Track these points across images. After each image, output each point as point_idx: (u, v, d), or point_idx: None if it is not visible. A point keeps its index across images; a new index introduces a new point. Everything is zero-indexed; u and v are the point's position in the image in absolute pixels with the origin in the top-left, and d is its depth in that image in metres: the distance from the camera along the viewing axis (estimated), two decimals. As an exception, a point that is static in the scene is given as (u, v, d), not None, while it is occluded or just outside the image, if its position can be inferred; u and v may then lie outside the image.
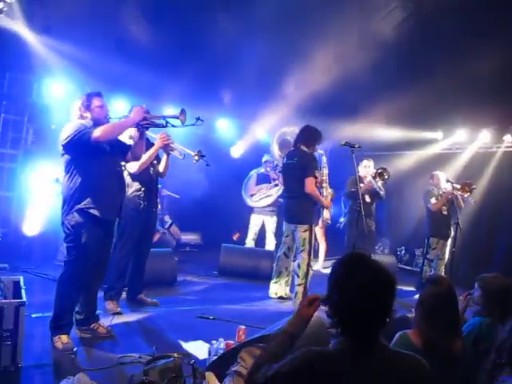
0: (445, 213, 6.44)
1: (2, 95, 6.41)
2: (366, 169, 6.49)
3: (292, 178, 5.31)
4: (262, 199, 7.40)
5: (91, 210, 3.44)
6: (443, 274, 6.64)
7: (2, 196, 6.69)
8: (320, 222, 8.02)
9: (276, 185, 7.27)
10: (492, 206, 7.25)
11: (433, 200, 6.42)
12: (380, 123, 8.07)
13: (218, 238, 7.59)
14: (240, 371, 2.40)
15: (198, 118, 4.07)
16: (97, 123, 3.53)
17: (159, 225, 6.86)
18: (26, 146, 6.71)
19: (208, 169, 5.72)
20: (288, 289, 5.58)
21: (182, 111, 3.90)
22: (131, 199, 4.47)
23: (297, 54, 6.50)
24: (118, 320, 4.14)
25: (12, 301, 2.98)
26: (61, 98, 6.65)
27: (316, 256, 8.14)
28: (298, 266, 5.20)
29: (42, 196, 6.33)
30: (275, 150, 7.92)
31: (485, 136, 7.47)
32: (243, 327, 3.66)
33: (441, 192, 6.46)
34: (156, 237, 6.17)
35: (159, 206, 5.56)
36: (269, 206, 7.32)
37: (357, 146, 4.63)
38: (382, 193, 6.38)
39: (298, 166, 5.21)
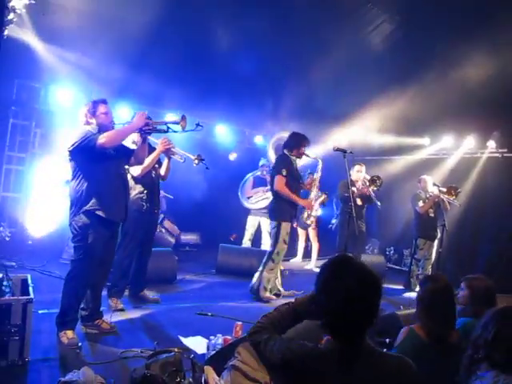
0: (431, 215, 6.61)
1: (10, 101, 6.55)
2: (359, 173, 6.66)
3: (271, 179, 5.57)
4: (258, 201, 7.55)
5: (97, 212, 3.52)
6: (430, 273, 6.82)
7: (10, 197, 6.82)
8: (313, 223, 8.16)
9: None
10: (476, 209, 7.39)
11: (420, 203, 6.59)
12: (370, 129, 8.21)
13: (216, 238, 7.71)
14: (237, 365, 2.39)
15: (197, 124, 4.17)
16: (102, 129, 3.63)
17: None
18: (33, 149, 6.86)
19: (207, 172, 5.86)
20: (279, 283, 5.70)
21: (183, 117, 3.99)
22: (134, 201, 4.56)
23: (293, 63, 6.60)
24: (120, 316, 4.23)
25: (20, 298, 3.10)
26: (67, 104, 6.81)
27: (309, 256, 8.31)
28: (267, 255, 5.42)
29: (49, 197, 6.47)
30: (271, 154, 8.08)
31: (470, 142, 7.62)
32: (240, 323, 3.72)
33: (428, 195, 6.62)
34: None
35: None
36: (265, 207, 7.38)
37: (348, 151, 4.79)
38: (374, 199, 6.60)
39: (273, 167, 5.52)
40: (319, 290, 1.61)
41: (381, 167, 8.31)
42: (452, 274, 6.75)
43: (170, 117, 6.60)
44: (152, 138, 4.56)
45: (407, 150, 8.55)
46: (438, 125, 7.51)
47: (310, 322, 2.77)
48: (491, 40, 5.30)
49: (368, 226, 6.84)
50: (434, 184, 6.56)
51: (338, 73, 6.52)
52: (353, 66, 6.43)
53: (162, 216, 7.56)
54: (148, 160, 4.44)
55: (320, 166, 5.70)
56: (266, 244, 7.54)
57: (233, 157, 9.04)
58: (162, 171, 4.86)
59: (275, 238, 5.37)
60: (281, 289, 5.71)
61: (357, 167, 6.67)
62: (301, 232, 8.53)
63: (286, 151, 5.48)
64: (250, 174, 7.80)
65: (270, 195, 7.30)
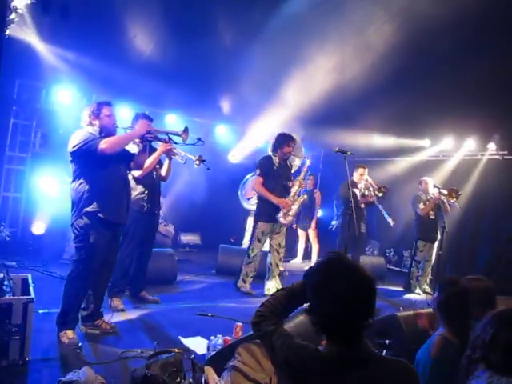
0: (432, 217, 6.63)
1: (12, 101, 6.58)
2: (362, 176, 6.68)
3: None
4: (258, 202, 7.56)
5: (99, 214, 3.54)
6: (430, 275, 6.85)
7: (11, 197, 6.85)
8: (313, 224, 8.21)
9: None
10: (476, 211, 7.40)
11: (421, 205, 6.61)
12: (371, 131, 8.23)
13: (217, 239, 7.73)
14: (237, 366, 2.43)
15: (199, 139, 4.24)
16: (104, 131, 3.66)
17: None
18: (34, 149, 6.89)
19: (207, 173, 5.87)
20: (279, 283, 5.75)
21: (185, 130, 4.04)
22: (135, 202, 4.57)
23: (294, 63, 6.61)
24: (121, 316, 4.24)
25: (21, 297, 3.11)
26: (68, 104, 6.83)
27: (309, 257, 8.34)
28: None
29: (49, 197, 6.49)
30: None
31: (470, 144, 7.62)
32: (240, 324, 3.72)
33: (428, 197, 6.64)
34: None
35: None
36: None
37: (349, 152, 4.81)
38: (381, 208, 6.75)
39: None
40: (311, 294, 1.59)
41: (381, 169, 8.34)
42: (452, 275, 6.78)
43: (173, 125, 6.65)
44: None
45: (408, 151, 8.57)
46: (439, 126, 7.51)
47: (306, 327, 2.79)
48: (493, 40, 5.32)
49: (368, 228, 6.86)
50: (435, 186, 6.58)
51: (340, 74, 6.53)
52: (354, 66, 6.43)
53: None
54: (149, 161, 4.45)
55: (305, 165, 5.76)
56: (266, 245, 7.54)
57: (233, 158, 9.05)
58: (163, 172, 4.87)
59: (251, 236, 5.78)
60: (279, 286, 5.71)
61: (360, 170, 6.69)
62: (301, 233, 8.56)
63: (270, 152, 5.70)
64: (250, 175, 7.81)
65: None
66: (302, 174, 5.74)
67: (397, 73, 6.28)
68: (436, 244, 6.64)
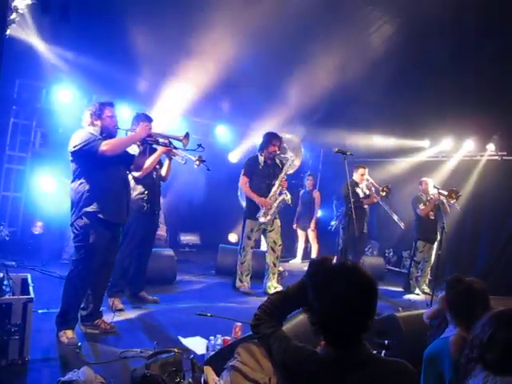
0: (432, 218, 6.66)
1: (12, 100, 6.57)
2: (363, 176, 6.70)
3: None
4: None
5: (98, 215, 3.54)
6: (429, 275, 6.86)
7: (11, 196, 6.84)
8: (312, 224, 8.22)
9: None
10: (476, 211, 7.42)
11: (421, 206, 6.64)
12: (371, 131, 8.25)
13: (216, 239, 7.77)
14: (237, 366, 2.44)
15: (199, 145, 4.23)
16: (105, 132, 3.67)
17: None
18: (34, 148, 6.88)
19: (207, 173, 5.87)
20: (274, 281, 5.82)
21: (186, 135, 4.04)
22: (135, 202, 4.58)
23: (295, 64, 6.63)
24: (120, 316, 4.24)
25: (20, 297, 3.11)
26: (68, 103, 6.82)
27: (308, 257, 8.35)
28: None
29: (49, 197, 6.49)
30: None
31: (469, 145, 7.63)
32: (239, 324, 3.71)
33: (429, 198, 6.67)
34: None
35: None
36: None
37: (348, 153, 4.82)
38: (386, 207, 6.83)
39: None
40: (311, 295, 1.58)
41: (381, 169, 8.35)
42: (450, 276, 6.79)
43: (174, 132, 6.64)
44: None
45: (407, 152, 8.58)
46: (438, 127, 7.53)
47: (305, 326, 2.79)
48: (492, 42, 5.33)
49: (368, 228, 6.86)
50: (435, 186, 6.59)
51: (338, 75, 6.54)
52: (353, 67, 6.45)
53: None
54: (149, 161, 4.46)
55: (288, 163, 5.80)
56: (264, 245, 7.58)
57: (233, 158, 9.07)
58: (163, 172, 4.87)
59: (241, 233, 5.90)
60: (275, 284, 5.82)
61: (360, 170, 6.71)
62: (300, 233, 8.57)
63: (258, 152, 5.80)
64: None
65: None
66: (283, 173, 5.74)
67: (397, 74, 6.31)
68: (435, 244, 6.65)
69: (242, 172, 5.84)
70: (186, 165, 5.01)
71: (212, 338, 3.46)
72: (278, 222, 5.85)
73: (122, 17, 5.50)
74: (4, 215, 6.63)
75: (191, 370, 2.83)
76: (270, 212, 5.62)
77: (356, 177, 6.69)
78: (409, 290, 6.77)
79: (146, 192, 4.71)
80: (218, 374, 2.62)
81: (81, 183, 3.56)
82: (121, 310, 4.44)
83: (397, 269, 8.59)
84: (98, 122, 3.68)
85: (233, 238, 8.78)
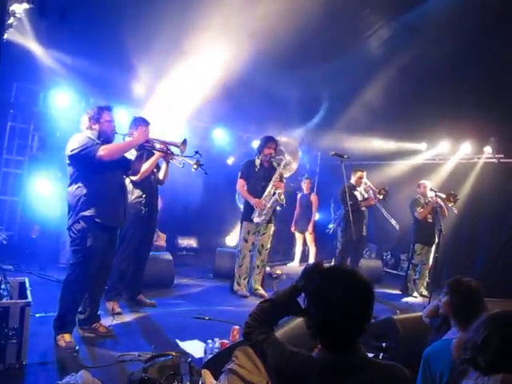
0: (430, 221, 6.67)
1: (9, 104, 6.57)
2: (361, 180, 6.72)
3: None
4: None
5: (96, 219, 3.55)
6: (427, 278, 6.86)
7: (8, 200, 6.83)
8: (310, 228, 8.23)
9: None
10: (473, 214, 7.43)
11: (419, 209, 6.66)
12: (368, 135, 8.28)
13: (214, 242, 7.79)
14: (234, 369, 2.45)
15: (196, 152, 4.27)
16: (102, 136, 3.67)
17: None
18: (31, 152, 6.87)
19: (204, 176, 5.82)
20: (258, 284, 5.91)
21: (184, 142, 4.08)
22: (133, 205, 4.57)
23: (292, 67, 6.65)
24: (118, 320, 4.22)
25: (18, 301, 3.10)
26: (65, 107, 6.81)
27: (306, 260, 8.35)
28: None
29: (46, 200, 6.49)
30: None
31: (466, 147, 7.65)
32: (237, 327, 3.71)
33: (427, 201, 6.69)
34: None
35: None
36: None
37: (345, 156, 4.85)
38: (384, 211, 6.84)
39: None
40: (308, 299, 1.59)
41: (378, 172, 8.36)
42: (448, 278, 6.80)
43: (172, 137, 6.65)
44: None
45: (404, 155, 8.60)
46: (435, 130, 7.55)
47: (303, 329, 2.79)
48: (488, 45, 5.36)
49: (367, 231, 6.87)
50: (431, 189, 6.61)
51: (336, 77, 6.57)
52: (350, 70, 6.48)
53: None
54: (147, 165, 4.49)
55: (281, 165, 5.80)
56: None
57: (230, 161, 9.08)
58: (161, 175, 4.87)
59: (239, 236, 5.95)
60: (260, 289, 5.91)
61: (358, 173, 6.73)
62: (298, 236, 8.58)
63: (255, 156, 5.90)
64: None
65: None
66: (277, 174, 5.76)
67: (394, 77, 6.33)
68: (433, 247, 6.65)
69: (239, 175, 5.92)
70: (184, 169, 5.00)
71: (210, 341, 3.45)
72: (271, 226, 5.88)
73: (118, 21, 5.51)
74: (1, 219, 6.60)
75: (189, 374, 2.83)
76: (263, 212, 5.65)
77: (354, 180, 6.72)
78: (406, 292, 6.78)
79: (144, 196, 4.71)
80: (216, 378, 2.62)
81: (78, 187, 3.56)
82: (118, 313, 4.42)
83: (394, 271, 8.58)
84: (96, 126, 3.69)
85: (230, 241, 8.78)
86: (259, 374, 2.41)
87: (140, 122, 4.51)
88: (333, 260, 6.70)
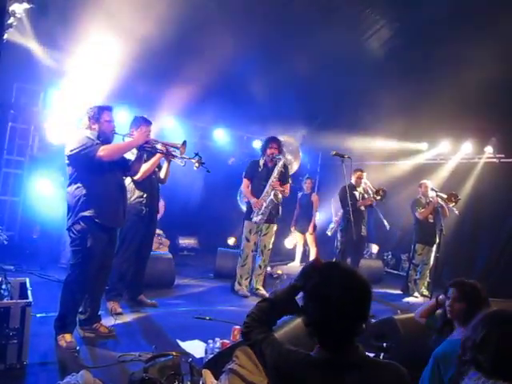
0: (431, 221, 6.67)
1: (9, 104, 6.56)
2: (360, 180, 6.72)
3: None
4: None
5: (95, 219, 3.54)
6: (428, 278, 6.86)
7: (9, 200, 6.83)
8: (310, 228, 8.23)
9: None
10: (474, 214, 7.44)
11: (420, 209, 6.66)
12: (369, 135, 8.28)
13: (214, 242, 7.75)
14: (235, 369, 2.45)
15: (196, 154, 4.26)
16: (102, 136, 3.66)
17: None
18: (31, 152, 6.88)
19: (205, 176, 5.84)
20: (259, 284, 5.96)
21: (184, 143, 4.07)
22: (134, 205, 4.58)
23: (293, 67, 6.66)
24: (118, 320, 4.22)
25: (18, 301, 3.09)
26: (66, 107, 6.76)
27: (307, 260, 8.33)
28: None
29: (47, 201, 6.49)
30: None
31: (467, 147, 7.65)
32: (238, 327, 3.69)
33: (428, 201, 6.68)
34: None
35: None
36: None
37: (346, 156, 4.84)
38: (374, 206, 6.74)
39: None
40: (306, 297, 1.59)
41: (379, 172, 8.36)
42: (449, 278, 6.79)
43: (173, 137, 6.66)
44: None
45: (405, 154, 8.60)
46: (436, 130, 7.55)
47: (297, 332, 2.79)
48: (489, 45, 5.35)
49: (367, 231, 6.86)
50: (433, 189, 6.60)
51: (336, 77, 6.58)
52: (351, 70, 6.48)
53: None
54: (148, 165, 4.50)
55: (279, 164, 5.78)
56: None
57: (230, 161, 9.09)
58: (162, 175, 4.85)
59: (242, 236, 5.97)
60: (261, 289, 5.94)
61: (358, 173, 6.73)
62: (299, 236, 8.57)
63: (261, 156, 5.93)
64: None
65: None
66: (275, 173, 5.76)
67: (394, 77, 6.33)
68: (434, 247, 6.64)
69: (243, 175, 5.99)
70: (185, 169, 5.00)
71: (210, 341, 3.45)
72: (274, 226, 5.90)
73: (119, 20, 5.51)
74: (2, 219, 6.60)
75: (190, 374, 2.83)
76: (260, 212, 5.68)
77: (353, 180, 6.71)
78: (407, 292, 6.78)
79: (145, 195, 4.69)
80: (217, 378, 2.62)
81: (77, 187, 3.55)
82: (119, 313, 4.42)
83: (395, 271, 8.59)
84: (96, 126, 3.67)
85: (231, 241, 8.79)
86: (260, 374, 2.41)
87: (141, 122, 4.50)
88: (334, 260, 6.68)
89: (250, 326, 1.75)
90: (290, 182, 6.12)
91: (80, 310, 3.77)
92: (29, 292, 3.30)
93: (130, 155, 4.01)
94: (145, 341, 3.86)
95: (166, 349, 3.31)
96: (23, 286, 3.52)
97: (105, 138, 3.67)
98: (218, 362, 2.80)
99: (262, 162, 5.89)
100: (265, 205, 5.66)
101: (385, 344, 3.12)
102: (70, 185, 3.61)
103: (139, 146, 3.86)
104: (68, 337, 3.50)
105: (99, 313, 3.97)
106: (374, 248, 8.75)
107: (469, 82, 5.70)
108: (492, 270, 6.98)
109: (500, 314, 1.77)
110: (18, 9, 4.77)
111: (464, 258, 7.45)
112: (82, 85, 6.49)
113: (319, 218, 8.77)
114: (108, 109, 3.76)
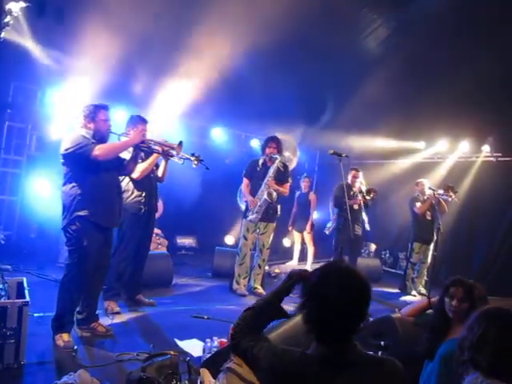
0: (429, 218, 6.68)
1: (7, 104, 6.53)
2: (355, 179, 6.70)
3: None
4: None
5: (91, 219, 3.53)
6: (425, 276, 6.87)
7: (6, 200, 6.81)
8: (308, 227, 8.23)
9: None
10: (471, 212, 7.46)
11: (418, 204, 6.65)
12: (367, 134, 8.29)
13: (212, 242, 7.75)
14: (233, 368, 2.43)
15: (192, 154, 4.25)
16: (98, 135, 3.63)
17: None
18: (29, 152, 6.86)
19: (202, 175, 5.81)
20: (258, 283, 5.96)
21: (180, 144, 4.06)
22: (132, 204, 4.57)
23: (291, 66, 6.66)
24: (116, 319, 4.22)
25: (16, 301, 3.10)
26: (63, 106, 6.75)
27: (305, 259, 8.36)
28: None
29: (45, 200, 6.48)
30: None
31: (464, 146, 7.66)
32: (236, 326, 3.78)
33: (425, 198, 6.69)
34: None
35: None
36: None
37: (344, 154, 4.84)
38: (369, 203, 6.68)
39: None
40: (306, 294, 1.59)
41: (376, 171, 8.39)
42: (447, 277, 6.81)
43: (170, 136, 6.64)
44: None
45: (403, 153, 8.62)
46: (434, 129, 7.57)
47: (296, 330, 2.79)
48: (485, 45, 5.36)
49: (364, 230, 6.86)
50: (430, 188, 6.61)
51: (334, 76, 6.58)
52: (349, 69, 6.49)
53: None
54: (146, 164, 4.51)
55: (275, 163, 5.77)
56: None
57: (228, 160, 9.08)
58: (160, 173, 4.84)
59: (240, 235, 6.01)
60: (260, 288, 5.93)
61: (353, 173, 6.71)
62: (296, 235, 8.57)
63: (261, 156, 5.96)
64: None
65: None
66: (271, 172, 5.76)
67: (392, 76, 6.34)
68: (432, 246, 6.66)
69: (243, 174, 6.03)
70: (182, 168, 4.99)
71: (208, 340, 3.45)
72: (272, 225, 5.90)
73: (116, 19, 5.51)
74: (0, 219, 6.60)
75: (187, 373, 2.83)
76: (255, 210, 5.70)
77: (349, 179, 6.70)
78: (405, 291, 6.79)
79: (144, 194, 4.67)
80: (215, 377, 2.61)
81: (73, 186, 3.53)
82: (117, 313, 4.42)
83: (393, 270, 8.61)
84: (91, 125, 3.64)
85: (229, 240, 8.78)
86: (257, 373, 2.41)
87: (138, 121, 4.50)
88: (331, 259, 6.69)
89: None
90: (290, 181, 6.11)
91: (77, 309, 3.76)
92: (26, 291, 3.31)
93: (127, 154, 3.99)
94: (143, 340, 3.85)
95: (164, 348, 3.31)
96: (20, 285, 3.53)
97: (100, 137, 3.65)
98: (215, 361, 2.79)
99: (261, 162, 5.91)
100: (259, 203, 5.67)
101: (382, 342, 3.12)
102: (65, 184, 3.58)
103: (135, 145, 3.84)
104: (66, 336, 3.49)
105: (97, 312, 3.96)
106: (373, 247, 8.77)
107: (465, 84, 5.72)
108: (489, 269, 7.01)
109: (495, 312, 1.77)
110: (15, 7, 4.74)
111: (461, 257, 7.47)
112: (80, 83, 6.49)
113: (317, 216, 8.77)
114: (104, 107, 3.73)
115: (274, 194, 5.70)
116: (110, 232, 3.86)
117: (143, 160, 4.55)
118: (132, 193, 4.63)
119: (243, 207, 7.80)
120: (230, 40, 6.04)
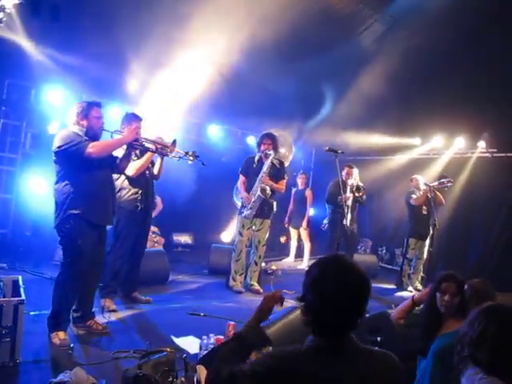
0: (425, 213, 6.68)
1: (1, 101, 6.48)
2: (349, 176, 6.65)
3: None
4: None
5: (84, 216, 3.51)
6: (421, 272, 6.89)
7: (1, 198, 6.77)
8: (304, 223, 8.25)
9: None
10: (467, 208, 7.48)
11: (414, 196, 6.65)
12: (362, 130, 8.30)
13: (209, 239, 7.79)
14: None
15: (186, 153, 4.27)
16: (90, 132, 3.60)
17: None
18: (24, 149, 6.80)
19: (199, 173, 5.79)
20: (254, 280, 5.97)
21: (174, 142, 4.07)
22: (129, 202, 4.57)
23: (288, 64, 6.65)
24: (112, 317, 4.21)
25: (11, 299, 3.09)
26: (58, 104, 6.75)
27: (301, 256, 8.37)
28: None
29: (40, 198, 6.45)
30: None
31: (460, 142, 7.67)
32: (232, 323, 3.73)
33: (421, 192, 6.69)
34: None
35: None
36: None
37: (339, 151, 4.85)
38: (362, 200, 6.65)
39: None
40: (307, 286, 1.58)
41: (372, 167, 8.38)
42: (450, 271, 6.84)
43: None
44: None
45: (398, 150, 8.62)
46: (429, 125, 7.58)
47: (292, 329, 2.77)
48: (481, 42, 5.36)
49: (360, 226, 6.88)
50: (426, 184, 6.62)
51: (330, 73, 6.58)
52: (345, 66, 6.49)
53: None
54: (142, 160, 4.49)
55: (269, 160, 5.78)
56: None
57: (224, 158, 9.07)
58: (155, 171, 4.83)
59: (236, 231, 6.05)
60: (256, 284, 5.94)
61: (346, 169, 6.68)
62: (293, 232, 8.57)
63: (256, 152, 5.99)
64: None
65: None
66: (264, 168, 5.77)
67: (387, 72, 6.35)
68: (427, 241, 6.68)
69: (239, 171, 6.06)
70: (178, 165, 4.99)
71: (205, 337, 3.45)
72: (267, 222, 5.91)
73: (111, 17, 5.48)
74: (-6, 217, 6.57)
75: (184, 370, 2.83)
76: (249, 206, 5.72)
77: (343, 176, 6.68)
78: (401, 287, 6.82)
79: (140, 192, 4.66)
80: (211, 374, 2.61)
81: (66, 184, 3.51)
82: (113, 310, 4.41)
83: (389, 266, 8.63)
84: (84, 122, 3.62)
85: (226, 237, 8.78)
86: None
87: (132, 118, 4.48)
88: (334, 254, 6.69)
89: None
90: (287, 177, 6.11)
91: (73, 307, 3.75)
92: (21, 290, 3.30)
93: (121, 151, 3.97)
94: (139, 337, 3.85)
95: (161, 345, 3.31)
96: (16, 283, 3.51)
97: (93, 134, 3.63)
98: (212, 358, 2.75)
99: (257, 158, 5.93)
100: (253, 199, 5.68)
101: (379, 338, 3.13)
102: (57, 182, 3.56)
103: (128, 143, 3.82)
104: (61, 334, 3.48)
105: (93, 310, 3.96)
106: (370, 243, 8.79)
107: (460, 80, 5.73)
108: (485, 264, 7.03)
109: (495, 309, 1.78)
110: (8, 4, 4.70)
111: (457, 252, 7.50)
112: (74, 80, 6.46)
113: (313, 213, 8.78)
114: (97, 105, 3.70)
115: (268, 189, 5.70)
116: (103, 230, 3.84)
117: (139, 157, 4.53)
118: (128, 190, 4.62)
119: (239, 204, 7.82)
120: (226, 36, 6.03)
